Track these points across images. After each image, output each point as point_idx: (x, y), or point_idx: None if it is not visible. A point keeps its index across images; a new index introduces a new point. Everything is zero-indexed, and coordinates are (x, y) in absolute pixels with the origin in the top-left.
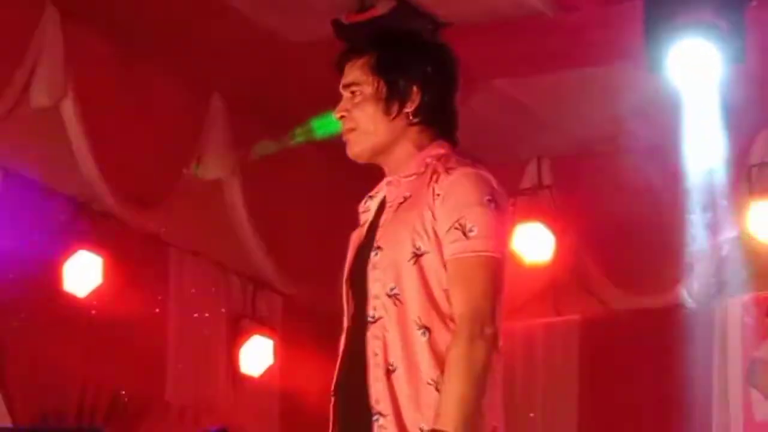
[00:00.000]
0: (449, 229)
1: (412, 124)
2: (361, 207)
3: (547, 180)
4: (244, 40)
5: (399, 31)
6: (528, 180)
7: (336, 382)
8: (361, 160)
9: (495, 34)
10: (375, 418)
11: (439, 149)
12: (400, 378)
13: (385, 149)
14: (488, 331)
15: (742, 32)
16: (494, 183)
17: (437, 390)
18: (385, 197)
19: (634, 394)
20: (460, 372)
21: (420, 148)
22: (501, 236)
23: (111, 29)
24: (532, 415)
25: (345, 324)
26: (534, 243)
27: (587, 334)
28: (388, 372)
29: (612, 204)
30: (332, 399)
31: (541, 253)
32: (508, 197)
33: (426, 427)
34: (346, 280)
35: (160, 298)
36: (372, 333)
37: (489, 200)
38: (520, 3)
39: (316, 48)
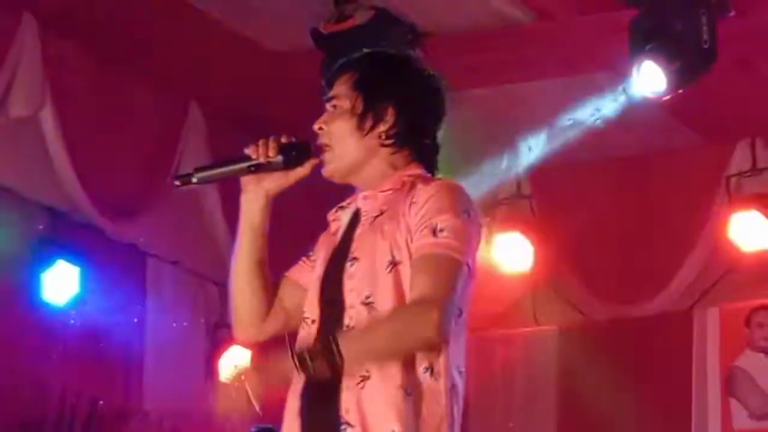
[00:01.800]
0: (418, 230)
1: (384, 145)
2: (331, 215)
3: (526, 190)
4: (222, 49)
5: (388, 55)
6: (507, 190)
7: (303, 389)
8: (334, 179)
9: (474, 43)
10: (342, 428)
11: (416, 170)
12: (373, 385)
13: (357, 168)
14: (436, 318)
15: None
16: (471, 199)
17: (406, 395)
18: (358, 209)
19: (612, 403)
20: (394, 324)
21: (394, 168)
22: (469, 246)
23: (89, 38)
24: (511, 425)
25: (310, 329)
26: (513, 253)
27: (566, 344)
28: (363, 379)
29: (591, 214)
30: (298, 403)
31: (520, 263)
32: (483, 211)
33: (396, 430)
34: (318, 287)
35: (138, 307)
36: None
37: (463, 211)
38: (499, 12)
39: (294, 56)
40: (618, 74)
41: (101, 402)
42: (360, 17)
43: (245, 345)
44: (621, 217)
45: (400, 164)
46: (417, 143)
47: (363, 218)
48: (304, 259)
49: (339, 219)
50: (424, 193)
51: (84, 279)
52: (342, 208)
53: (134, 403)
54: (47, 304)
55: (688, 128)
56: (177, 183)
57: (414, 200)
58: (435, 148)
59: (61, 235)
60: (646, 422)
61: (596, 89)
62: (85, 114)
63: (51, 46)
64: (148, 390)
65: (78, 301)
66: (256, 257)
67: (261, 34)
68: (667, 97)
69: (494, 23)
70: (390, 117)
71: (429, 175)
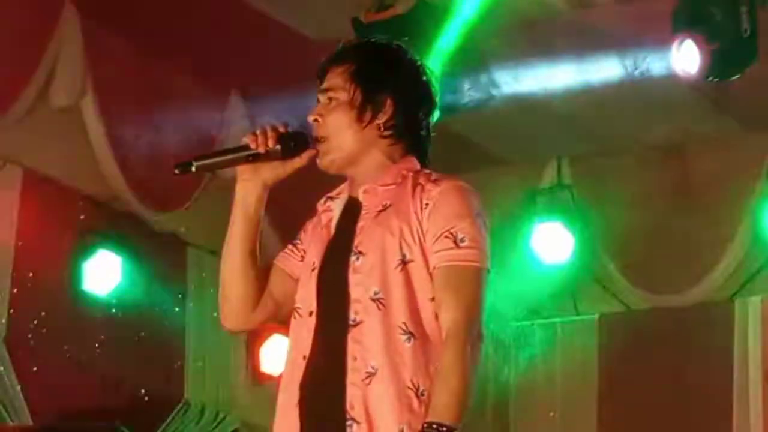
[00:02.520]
0: (439, 238)
1: (383, 137)
2: (320, 206)
3: (566, 179)
4: (263, 38)
5: (383, 45)
6: (548, 179)
7: (303, 380)
8: (330, 171)
9: (516, 34)
10: (348, 424)
11: (412, 164)
12: (380, 381)
13: (355, 159)
14: (479, 337)
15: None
16: (479, 198)
17: (417, 395)
18: (353, 201)
19: (653, 393)
20: (457, 371)
21: (393, 160)
22: (487, 250)
23: (130, 27)
24: (552, 414)
25: (307, 321)
26: (553, 242)
27: (606, 334)
28: (369, 375)
29: (631, 203)
30: (297, 393)
31: (561, 253)
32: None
33: (407, 429)
34: (316, 279)
35: (179, 296)
36: (352, 337)
37: (477, 214)
38: (541, 2)
39: (334, 45)
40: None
41: (143, 391)
42: (401, 7)
43: (231, 332)
44: (661, 206)
45: (397, 156)
46: (413, 135)
47: (364, 212)
48: (290, 247)
49: (330, 210)
50: (436, 194)
51: (125, 268)
52: (331, 198)
53: (175, 392)
54: (89, 293)
55: (729, 117)
56: (176, 171)
57: (426, 201)
58: (428, 139)
59: (103, 225)
60: (687, 412)
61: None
62: (126, 103)
63: (92, 35)
64: (190, 379)
65: (119, 291)
66: (249, 246)
67: (302, 24)
68: (704, 81)
69: (535, 13)
70: (388, 108)
71: (426, 169)
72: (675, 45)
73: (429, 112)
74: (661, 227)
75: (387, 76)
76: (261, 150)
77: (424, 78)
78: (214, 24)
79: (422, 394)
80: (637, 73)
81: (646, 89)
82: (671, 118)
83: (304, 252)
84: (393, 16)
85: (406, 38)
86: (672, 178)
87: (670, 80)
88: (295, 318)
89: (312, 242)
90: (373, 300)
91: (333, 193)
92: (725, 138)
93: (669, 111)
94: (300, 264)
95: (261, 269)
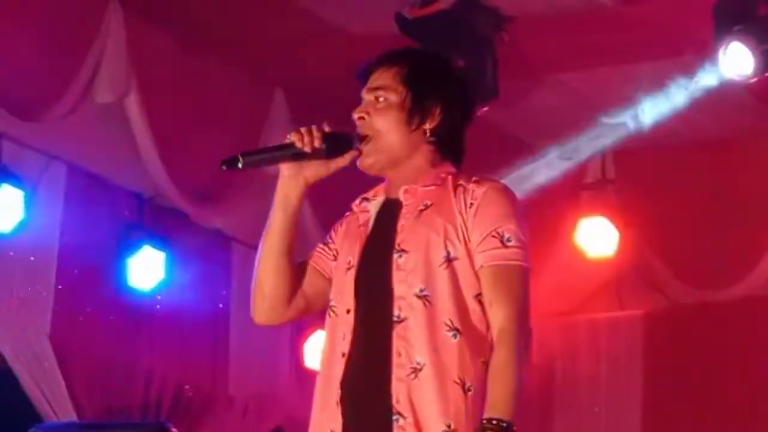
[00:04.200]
0: (486, 237)
1: (428, 142)
2: (356, 207)
3: (610, 174)
4: (306, 33)
5: (433, 54)
6: (591, 174)
7: (344, 378)
8: (372, 172)
9: (559, 27)
10: (395, 418)
11: (452, 168)
12: (426, 377)
13: (398, 161)
14: (529, 333)
15: None
16: (519, 200)
17: (463, 390)
18: (393, 202)
19: (698, 388)
20: (512, 367)
21: (433, 165)
22: (530, 251)
23: (174, 24)
24: (596, 409)
25: (345, 319)
26: (598, 237)
27: (651, 329)
28: (414, 371)
29: (675, 198)
30: (337, 392)
31: (605, 248)
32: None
33: (453, 425)
34: (354, 277)
35: (224, 292)
36: (397, 333)
37: (521, 215)
38: None
39: (379, 41)
40: (703, 57)
41: (187, 387)
42: (445, 2)
43: (262, 325)
44: (705, 200)
45: (437, 162)
46: (454, 143)
47: (405, 211)
48: (322, 246)
49: (366, 211)
50: (481, 194)
51: (170, 264)
52: (366, 199)
53: (220, 388)
54: (134, 289)
55: None
56: (223, 166)
57: (471, 201)
58: (464, 150)
59: (148, 221)
60: (732, 407)
61: (683, 72)
62: (170, 100)
63: (136, 32)
64: (233, 375)
65: (164, 287)
66: (287, 243)
67: (346, 19)
68: (754, 80)
69: (579, 6)
70: (437, 116)
71: (465, 174)
72: (722, 48)
73: (468, 125)
74: (705, 222)
75: (438, 85)
76: (307, 149)
77: (468, 92)
78: (258, 20)
79: (468, 390)
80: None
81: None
82: (716, 114)
83: (336, 252)
84: (437, 12)
85: (450, 34)
86: (716, 173)
87: (711, 71)
88: (330, 316)
89: (346, 241)
90: (419, 297)
91: (368, 194)
92: None
93: (714, 106)
94: (332, 263)
95: (296, 267)
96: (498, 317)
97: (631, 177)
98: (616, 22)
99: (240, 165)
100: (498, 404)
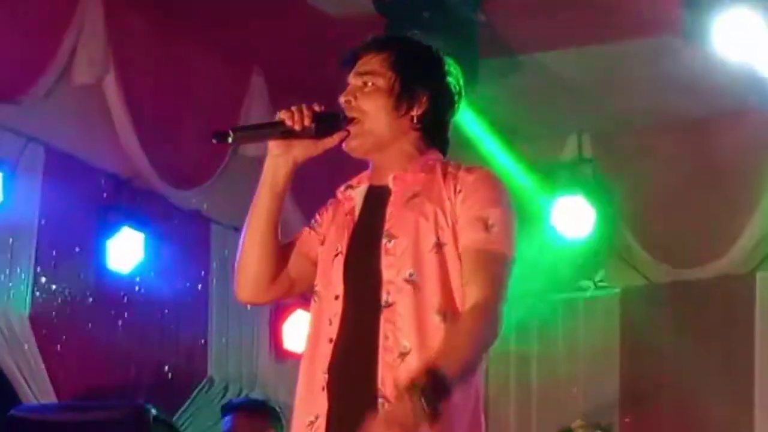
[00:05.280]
0: (470, 221)
1: (414, 129)
2: (341, 194)
3: (587, 153)
4: (284, 15)
5: (421, 42)
6: (569, 153)
7: (331, 363)
8: (357, 154)
9: (536, 8)
10: (380, 401)
11: (437, 155)
12: (413, 361)
13: (384, 146)
14: (500, 319)
15: None
16: (508, 189)
17: None
18: (380, 188)
19: (675, 366)
20: (473, 338)
21: (420, 152)
22: (514, 240)
23: (151, 5)
24: (575, 389)
25: (331, 305)
26: (575, 216)
27: (628, 308)
28: (402, 355)
29: (653, 177)
30: (324, 377)
31: (582, 227)
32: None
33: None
34: (343, 262)
35: (203, 273)
36: (385, 317)
37: (507, 203)
38: None
39: (356, 22)
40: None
41: (166, 368)
42: None
43: (244, 303)
44: (683, 179)
45: (423, 149)
46: (439, 131)
47: (393, 197)
48: (308, 230)
49: (351, 198)
50: (471, 181)
51: (148, 246)
52: (351, 187)
53: (199, 369)
54: (113, 270)
55: (752, 91)
56: (214, 140)
57: (460, 187)
58: (448, 140)
59: (126, 203)
60: (709, 385)
61: (657, 52)
62: (148, 81)
63: (114, 13)
64: (213, 356)
65: (143, 268)
66: (272, 221)
67: (324, 1)
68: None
69: None
70: (424, 103)
71: (452, 161)
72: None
73: (454, 114)
74: (682, 201)
75: (426, 72)
76: (297, 127)
77: (458, 81)
78: (236, 2)
79: None
80: None
81: (666, 63)
82: (693, 91)
83: (324, 237)
84: None
85: (426, 14)
86: (693, 152)
87: (687, 51)
88: (315, 301)
89: (333, 228)
90: (408, 281)
91: (353, 182)
92: (747, 111)
93: (691, 84)
94: (319, 247)
95: (280, 246)
96: (474, 295)
97: (608, 155)
98: (596, 2)
99: (230, 140)
100: (444, 355)
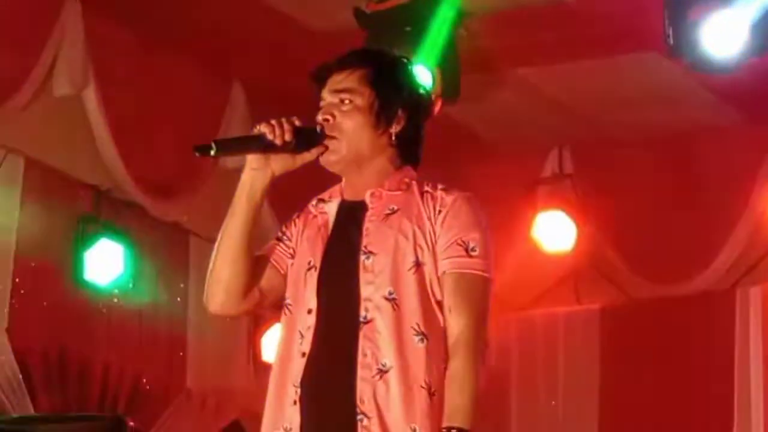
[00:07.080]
0: (451, 245)
1: (391, 145)
2: (312, 208)
3: (568, 169)
4: (265, 28)
5: (396, 57)
6: (549, 168)
7: (304, 377)
8: (334, 170)
9: (517, 23)
10: (359, 418)
11: (412, 172)
12: (392, 379)
13: (362, 162)
14: (485, 343)
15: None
16: (484, 210)
17: (429, 395)
18: (354, 204)
19: (655, 382)
20: (470, 376)
21: (395, 167)
22: (493, 261)
23: (132, 17)
24: (553, 403)
25: (304, 318)
26: (555, 232)
27: (608, 323)
28: (380, 372)
29: (634, 192)
30: (296, 391)
31: (562, 242)
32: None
33: (419, 429)
34: (316, 278)
35: (181, 285)
36: (363, 334)
37: (486, 226)
38: None
39: (337, 36)
40: (661, 52)
41: (144, 380)
42: None
43: (214, 314)
44: (664, 195)
45: (398, 165)
46: (415, 147)
47: (370, 214)
48: (278, 242)
49: (324, 212)
50: (450, 203)
51: (127, 258)
52: (323, 201)
53: (177, 381)
54: (90, 283)
55: (732, 107)
56: (196, 153)
57: (440, 208)
58: (421, 155)
59: (105, 214)
60: (688, 401)
61: (639, 67)
62: (128, 93)
63: (94, 25)
64: (191, 368)
65: (121, 280)
66: (247, 234)
67: (304, 13)
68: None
69: (537, 2)
70: (401, 119)
71: (429, 180)
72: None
73: (424, 127)
74: (662, 216)
75: (403, 88)
76: (277, 141)
77: (429, 95)
78: (217, 14)
79: (434, 394)
80: None
81: (648, 78)
82: (674, 108)
83: (294, 250)
84: (396, 6)
85: (408, 28)
86: (674, 168)
87: (668, 67)
88: (285, 314)
89: (304, 241)
90: (387, 299)
91: (324, 196)
92: (728, 128)
93: (671, 100)
94: (290, 261)
95: (253, 259)
96: (456, 326)
97: (589, 171)
98: (577, 18)
99: (212, 152)
100: (457, 412)
